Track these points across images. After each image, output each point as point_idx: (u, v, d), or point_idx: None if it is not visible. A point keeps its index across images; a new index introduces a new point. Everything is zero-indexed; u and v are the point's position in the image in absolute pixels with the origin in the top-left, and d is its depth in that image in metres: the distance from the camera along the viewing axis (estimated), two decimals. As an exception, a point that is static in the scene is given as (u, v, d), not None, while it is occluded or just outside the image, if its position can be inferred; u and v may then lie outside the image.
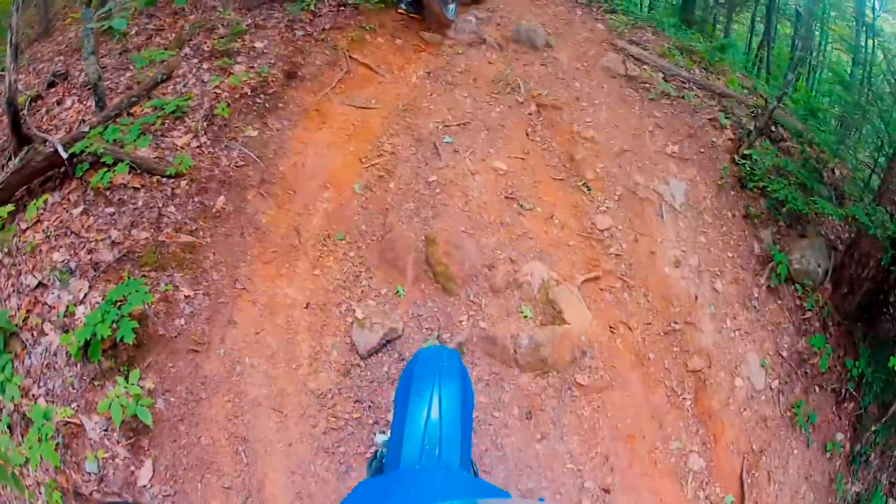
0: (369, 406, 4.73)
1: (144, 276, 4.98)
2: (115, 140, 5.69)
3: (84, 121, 6.36)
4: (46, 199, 5.56)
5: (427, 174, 6.08)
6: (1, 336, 4.86)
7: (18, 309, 5.07)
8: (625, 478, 4.85)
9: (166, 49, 7.08)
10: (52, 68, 7.53)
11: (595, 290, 5.69)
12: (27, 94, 6.72)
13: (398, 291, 5.29)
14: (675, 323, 5.79)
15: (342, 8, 8.07)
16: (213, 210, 5.57)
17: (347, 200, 5.93)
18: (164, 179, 5.63)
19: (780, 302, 6.46)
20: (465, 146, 6.40)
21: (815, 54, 11.64)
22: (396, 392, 2.59)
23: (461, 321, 5.17)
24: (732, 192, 6.95)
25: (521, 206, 5.96)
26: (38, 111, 6.89)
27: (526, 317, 5.12)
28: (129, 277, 4.91)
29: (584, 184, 6.43)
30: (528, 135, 6.82)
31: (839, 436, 6.13)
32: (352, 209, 5.86)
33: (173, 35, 7.52)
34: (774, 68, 11.69)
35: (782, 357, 6.17)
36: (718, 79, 8.60)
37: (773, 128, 7.83)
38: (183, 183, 5.66)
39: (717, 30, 13.48)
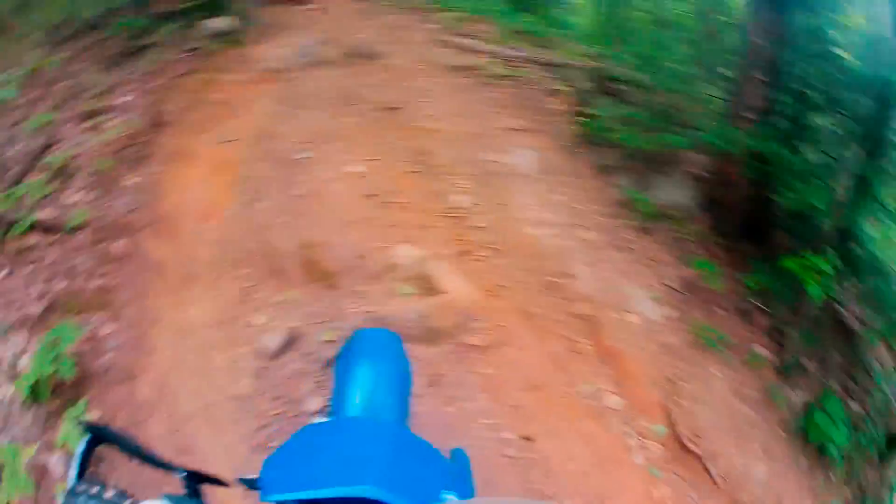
0: (287, 401, 5.08)
1: (70, 321, 5.34)
2: (19, 201, 6.19)
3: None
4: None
5: (291, 189, 6.61)
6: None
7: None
8: (544, 425, 5.13)
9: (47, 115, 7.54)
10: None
11: (467, 262, 6.16)
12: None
13: (290, 297, 5.75)
14: (552, 277, 6.23)
15: (191, 53, 8.75)
16: (115, 254, 6.03)
17: (227, 224, 6.42)
18: (68, 234, 6.09)
19: (653, 238, 6.98)
20: (322, 159, 6.96)
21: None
22: (336, 371, 2.85)
23: (350, 310, 5.63)
24: (581, 150, 7.49)
25: (383, 200, 6.49)
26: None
27: (406, 294, 5.63)
28: (57, 324, 5.28)
29: (439, 171, 6.97)
30: (378, 138, 7.37)
31: (759, 349, 6.51)
32: (233, 232, 6.33)
33: (49, 104, 7.90)
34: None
35: (671, 288, 6.61)
36: (554, 52, 9.19)
37: (616, 85, 8.45)
38: (84, 235, 6.12)
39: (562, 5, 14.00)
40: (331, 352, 5.35)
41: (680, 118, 8.18)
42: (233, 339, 5.60)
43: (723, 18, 9.24)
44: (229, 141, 7.39)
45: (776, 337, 6.71)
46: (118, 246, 6.11)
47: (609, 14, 11.26)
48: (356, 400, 2.51)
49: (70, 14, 9.38)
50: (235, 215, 6.53)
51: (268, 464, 1.90)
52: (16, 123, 7.76)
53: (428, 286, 5.70)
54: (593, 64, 8.63)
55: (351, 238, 6.11)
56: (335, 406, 2.61)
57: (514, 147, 7.31)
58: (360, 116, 7.68)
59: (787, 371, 6.48)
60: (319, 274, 5.88)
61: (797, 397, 6.32)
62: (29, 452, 4.74)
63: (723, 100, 7.97)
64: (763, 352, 6.48)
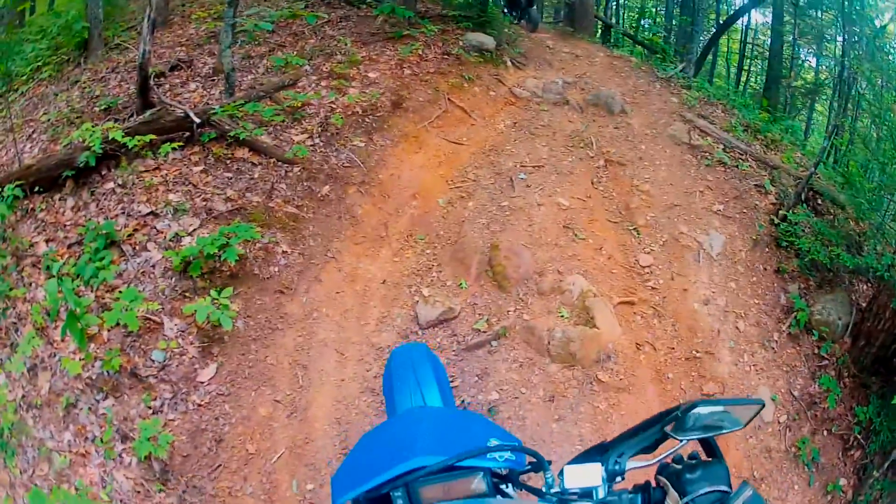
0: (413, 367, 5.94)
1: (252, 227, 6.24)
2: (254, 112, 7.34)
3: (208, 103, 7.86)
4: (168, 152, 6.92)
5: (501, 200, 7.52)
6: (103, 239, 6.04)
7: (125, 227, 6.36)
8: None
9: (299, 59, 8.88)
10: (175, 55, 9.25)
11: (629, 312, 6.72)
12: (152, 69, 7.83)
13: (461, 284, 6.64)
14: (697, 351, 6.64)
15: (446, 56, 9.86)
16: (319, 195, 7.20)
17: (431, 210, 7.44)
18: (280, 163, 7.27)
19: (797, 347, 7.18)
20: (536, 183, 7.82)
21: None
22: (384, 383, 3.44)
23: (509, 311, 6.40)
24: (767, 250, 7.85)
25: (576, 234, 7.24)
26: (161, 86, 8.39)
27: (563, 316, 6.31)
28: (238, 224, 6.22)
29: (634, 228, 7.60)
30: (592, 182, 8.14)
31: (842, 480, 6.51)
32: (434, 217, 7.35)
33: (294, 52, 9.32)
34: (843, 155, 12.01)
35: (793, 396, 6.79)
36: (776, 154, 9.61)
37: (818, 200, 8.74)
38: (296, 169, 7.31)
39: (801, 115, 14.13)
40: (478, 339, 6.14)
41: (861, 242, 8.39)
42: (394, 299, 6.54)
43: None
44: (459, 143, 8.45)
45: (861, 474, 6.76)
46: (323, 189, 7.27)
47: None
48: (405, 400, 3.00)
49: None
50: (442, 204, 7.52)
51: (335, 479, 2.15)
52: (262, 56, 9.26)
53: (585, 317, 6.32)
54: (804, 173, 8.80)
55: (536, 255, 6.88)
56: (389, 412, 3.21)
57: (708, 227, 7.79)
58: (583, 159, 8.46)
59: (856, 511, 6.63)
60: (496, 274, 6.70)
61: (853, 539, 6.49)
62: (151, 306, 5.69)
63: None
64: (844, 484, 6.59)
